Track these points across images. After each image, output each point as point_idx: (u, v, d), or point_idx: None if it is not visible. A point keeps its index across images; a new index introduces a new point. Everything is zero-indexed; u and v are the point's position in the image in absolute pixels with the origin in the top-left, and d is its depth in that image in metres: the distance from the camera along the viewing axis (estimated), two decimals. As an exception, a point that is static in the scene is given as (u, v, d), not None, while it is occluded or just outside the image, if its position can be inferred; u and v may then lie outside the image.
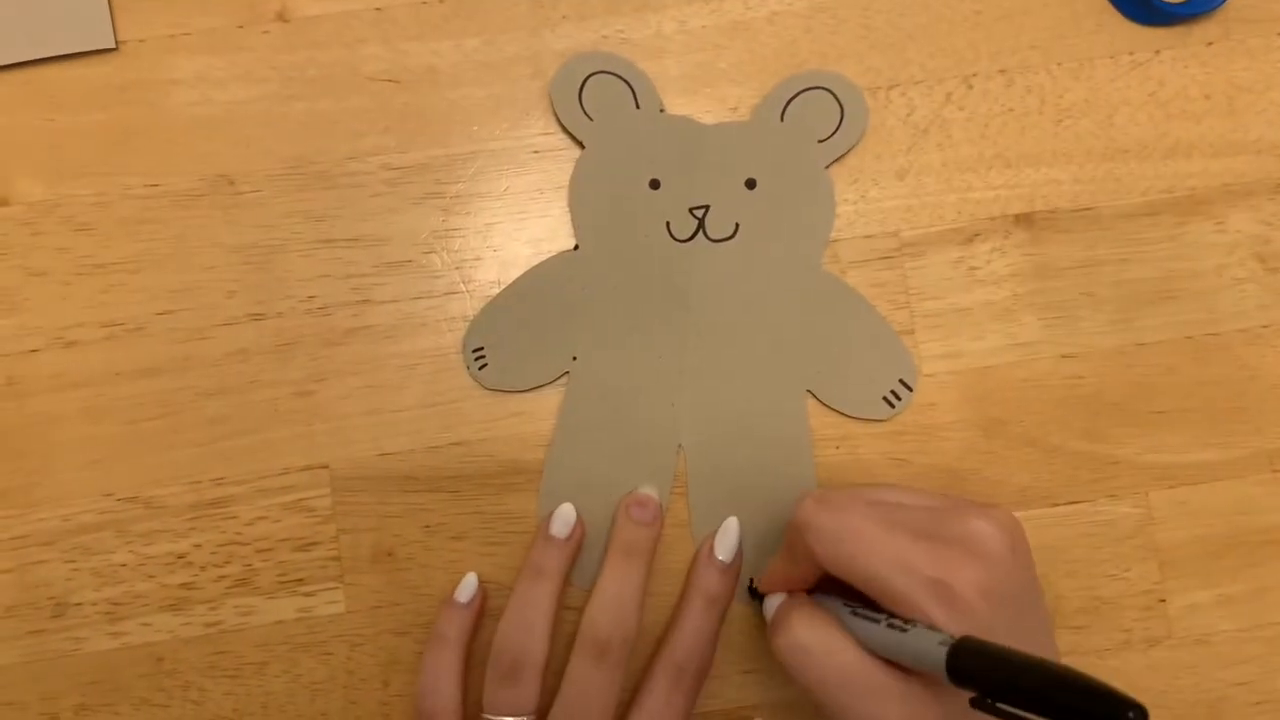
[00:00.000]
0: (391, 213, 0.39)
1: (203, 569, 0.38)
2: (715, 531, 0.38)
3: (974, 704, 0.26)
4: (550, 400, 0.39)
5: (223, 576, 0.38)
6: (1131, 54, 0.40)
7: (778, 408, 0.39)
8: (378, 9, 0.39)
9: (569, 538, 0.37)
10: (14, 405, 0.38)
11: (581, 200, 0.39)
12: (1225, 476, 0.39)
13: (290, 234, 0.39)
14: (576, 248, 0.39)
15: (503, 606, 0.36)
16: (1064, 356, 0.39)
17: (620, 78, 0.39)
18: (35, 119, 0.39)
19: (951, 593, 0.29)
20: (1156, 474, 0.39)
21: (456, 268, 0.39)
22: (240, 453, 0.38)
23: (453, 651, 0.36)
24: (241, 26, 0.39)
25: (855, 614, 0.31)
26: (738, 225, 0.39)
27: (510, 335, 0.39)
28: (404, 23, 0.39)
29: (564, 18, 0.40)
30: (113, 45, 0.39)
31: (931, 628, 0.28)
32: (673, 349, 0.39)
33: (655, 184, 0.39)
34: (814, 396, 0.39)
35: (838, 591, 0.33)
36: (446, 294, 0.39)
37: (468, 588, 0.37)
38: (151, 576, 0.38)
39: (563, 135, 0.39)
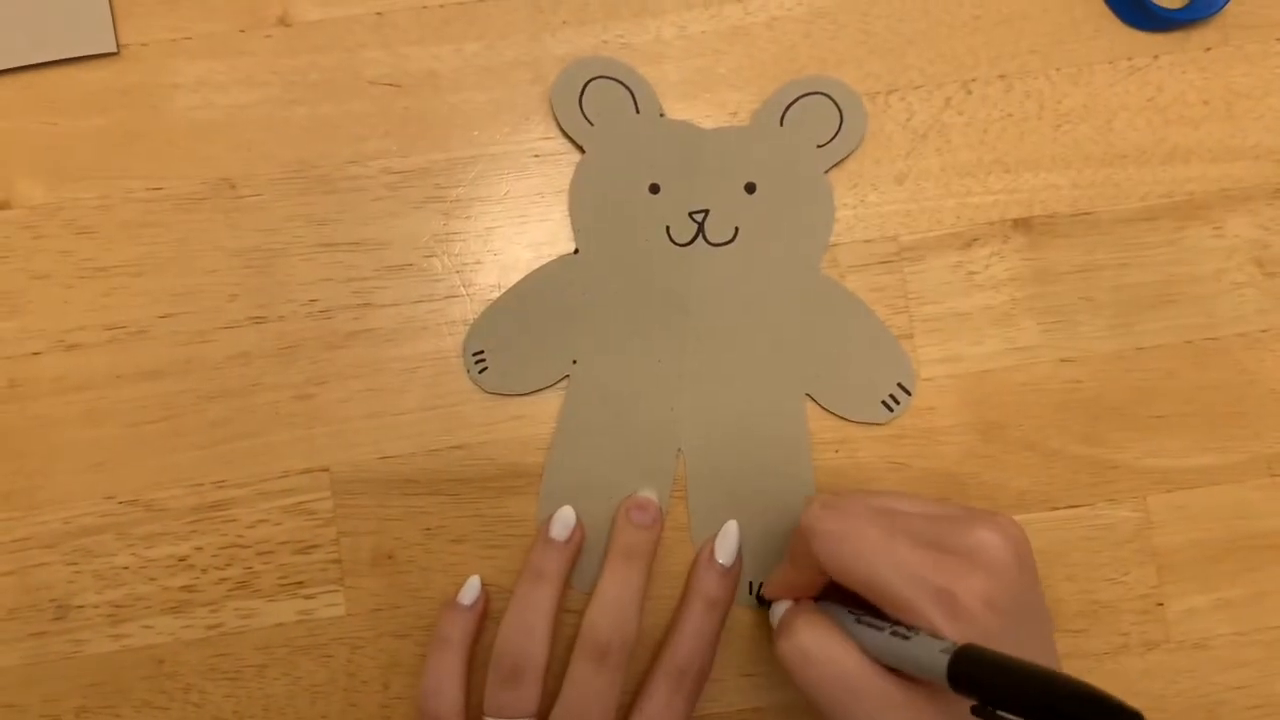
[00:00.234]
0: (392, 216, 0.39)
1: (204, 571, 0.38)
2: (715, 535, 0.38)
3: (975, 712, 0.26)
4: (550, 404, 0.39)
5: (224, 579, 0.38)
6: (1130, 59, 0.40)
7: (777, 411, 0.39)
8: (378, 14, 0.39)
9: (569, 541, 0.37)
10: (16, 408, 0.38)
11: (582, 204, 0.39)
12: (1224, 481, 0.39)
13: (292, 237, 0.39)
14: (577, 251, 0.39)
15: (503, 609, 0.36)
16: (1063, 361, 0.39)
17: (620, 83, 0.39)
18: (37, 122, 0.39)
19: (956, 602, 0.29)
20: (1155, 478, 0.39)
21: (457, 271, 0.39)
22: (241, 455, 0.38)
23: (456, 654, 0.36)
24: (243, 31, 0.39)
25: (859, 621, 0.31)
26: (737, 229, 0.39)
27: (511, 339, 0.39)
28: (405, 27, 0.39)
29: (564, 23, 0.40)
30: (114, 49, 0.39)
31: (934, 636, 0.28)
32: (672, 353, 0.39)
33: (655, 188, 0.39)
34: (813, 400, 0.39)
35: (843, 599, 0.33)
36: (447, 298, 0.39)
37: (471, 590, 0.37)
38: (153, 579, 0.38)
39: (563, 140, 0.39)
